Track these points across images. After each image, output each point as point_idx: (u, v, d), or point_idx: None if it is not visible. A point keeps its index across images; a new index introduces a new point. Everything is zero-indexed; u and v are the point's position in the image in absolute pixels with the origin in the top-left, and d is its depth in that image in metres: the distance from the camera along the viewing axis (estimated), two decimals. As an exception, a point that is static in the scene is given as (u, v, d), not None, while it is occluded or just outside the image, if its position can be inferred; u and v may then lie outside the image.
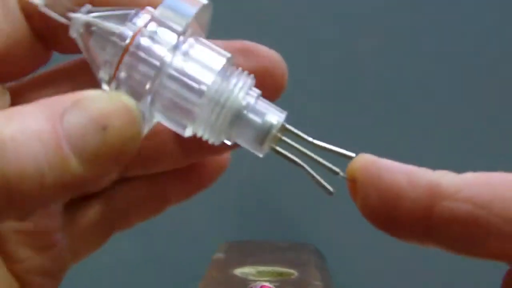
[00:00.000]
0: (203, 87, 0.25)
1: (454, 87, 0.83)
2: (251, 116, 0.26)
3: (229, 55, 0.26)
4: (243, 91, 0.26)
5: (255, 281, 0.65)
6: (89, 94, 0.23)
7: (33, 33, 0.27)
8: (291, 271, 0.68)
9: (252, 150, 0.26)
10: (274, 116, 0.26)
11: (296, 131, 0.26)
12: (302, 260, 0.73)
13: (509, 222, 0.21)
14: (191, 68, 0.25)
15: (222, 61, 0.26)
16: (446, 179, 0.22)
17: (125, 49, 0.24)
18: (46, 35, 0.27)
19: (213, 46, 0.26)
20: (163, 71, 0.25)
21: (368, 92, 0.83)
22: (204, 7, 0.26)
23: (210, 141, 0.26)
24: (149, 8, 0.25)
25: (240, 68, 0.26)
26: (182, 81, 0.25)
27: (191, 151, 0.29)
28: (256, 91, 0.26)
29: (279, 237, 0.80)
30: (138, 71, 0.24)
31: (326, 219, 0.82)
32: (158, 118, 0.26)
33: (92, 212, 0.30)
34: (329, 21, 0.83)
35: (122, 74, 0.24)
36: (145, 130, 0.26)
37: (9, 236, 0.27)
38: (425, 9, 0.83)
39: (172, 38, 0.25)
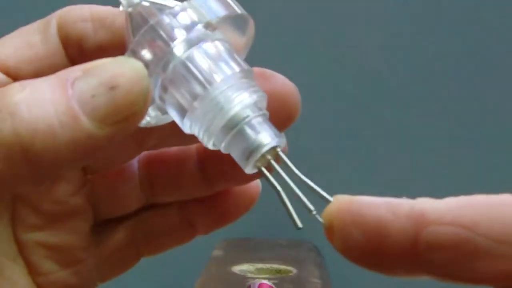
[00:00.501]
0: (209, 84, 0.25)
1: (455, 88, 0.83)
2: (246, 129, 0.25)
3: (249, 68, 0.26)
4: (247, 103, 0.25)
5: (254, 278, 0.65)
6: (97, 61, 0.24)
7: (68, 60, 0.28)
8: (290, 268, 0.69)
9: (239, 164, 0.26)
10: (268, 137, 0.25)
11: (285, 159, 0.25)
12: (300, 257, 0.73)
13: (496, 241, 0.21)
14: (205, 63, 0.25)
15: (237, 68, 0.25)
16: (428, 205, 0.22)
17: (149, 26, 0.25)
18: (78, 60, 0.28)
19: (237, 56, 0.26)
20: (175, 54, 0.25)
21: (369, 93, 0.83)
22: (242, 18, 0.26)
23: (208, 146, 0.26)
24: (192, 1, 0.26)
25: (257, 86, 0.26)
26: (192, 71, 0.25)
27: (215, 178, 0.30)
28: (263, 111, 0.26)
29: (277, 234, 0.80)
30: (154, 48, 0.25)
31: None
32: (165, 105, 0.26)
33: (119, 235, 0.31)
34: (329, 20, 0.83)
35: (143, 51, 0.25)
36: (152, 112, 0.26)
37: (35, 249, 0.28)
38: (425, 9, 0.83)
39: (195, 28, 0.25)
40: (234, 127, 0.25)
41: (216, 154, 0.26)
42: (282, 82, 0.28)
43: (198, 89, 0.25)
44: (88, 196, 0.29)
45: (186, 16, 0.25)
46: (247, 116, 0.25)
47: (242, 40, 0.27)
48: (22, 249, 0.28)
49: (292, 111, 0.28)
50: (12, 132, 0.22)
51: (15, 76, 0.27)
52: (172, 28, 0.25)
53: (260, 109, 0.26)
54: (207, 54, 0.25)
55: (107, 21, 0.27)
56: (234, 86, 0.25)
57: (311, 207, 0.25)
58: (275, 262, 0.69)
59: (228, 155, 0.26)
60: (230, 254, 0.73)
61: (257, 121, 0.25)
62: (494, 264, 0.21)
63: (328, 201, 0.24)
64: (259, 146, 0.25)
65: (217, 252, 0.73)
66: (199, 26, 0.25)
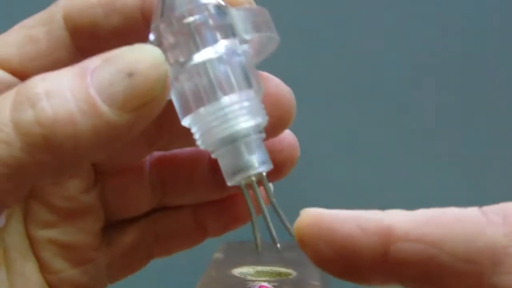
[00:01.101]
0: (222, 94, 0.25)
1: (454, 88, 0.83)
2: (242, 148, 0.26)
3: (261, 87, 0.26)
4: (251, 124, 0.26)
5: (254, 281, 0.65)
6: (116, 50, 0.24)
7: (77, 51, 0.27)
8: (290, 271, 0.69)
9: (223, 175, 0.26)
10: (259, 161, 0.26)
11: (268, 186, 0.27)
12: (300, 260, 0.73)
13: (461, 260, 0.21)
14: (224, 72, 0.25)
15: (253, 87, 0.26)
16: (397, 220, 0.22)
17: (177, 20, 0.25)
18: (88, 51, 0.27)
19: (255, 74, 0.26)
20: (200, 54, 0.25)
21: (367, 91, 0.83)
22: (272, 40, 0.27)
23: (198, 144, 0.26)
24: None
25: (263, 107, 0.26)
26: (210, 76, 0.25)
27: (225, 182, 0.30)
28: (262, 134, 0.26)
29: (278, 237, 0.80)
30: (180, 41, 0.25)
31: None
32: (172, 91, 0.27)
33: (130, 236, 0.31)
34: (330, 20, 0.83)
35: (169, 38, 0.25)
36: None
37: (46, 246, 0.28)
38: (425, 10, 0.83)
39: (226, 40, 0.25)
40: (232, 142, 0.26)
41: None
42: (276, 85, 0.28)
43: (210, 94, 0.25)
44: (99, 195, 0.30)
45: (223, 22, 0.25)
46: (248, 136, 0.26)
47: (261, 57, 0.28)
48: (33, 246, 0.28)
49: (287, 114, 0.28)
50: (35, 122, 0.22)
51: (21, 75, 0.27)
52: (206, 29, 0.25)
53: (260, 131, 0.26)
54: (230, 65, 0.26)
55: (118, 4, 0.27)
56: (245, 105, 0.26)
57: (276, 239, 0.28)
58: (275, 264, 0.69)
59: None
60: (230, 257, 0.73)
61: (254, 142, 0.26)
62: (460, 282, 0.21)
63: (291, 234, 0.24)
64: (249, 167, 0.26)
65: (217, 255, 0.73)
66: (232, 38, 0.25)
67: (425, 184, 0.82)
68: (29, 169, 0.23)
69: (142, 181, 0.30)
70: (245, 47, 0.26)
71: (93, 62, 0.24)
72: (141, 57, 0.23)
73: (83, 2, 0.27)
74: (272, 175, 0.27)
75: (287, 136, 0.30)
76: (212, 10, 0.25)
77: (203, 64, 0.25)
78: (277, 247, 0.26)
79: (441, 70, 0.83)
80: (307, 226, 0.23)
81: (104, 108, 0.23)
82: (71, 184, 0.28)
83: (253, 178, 0.26)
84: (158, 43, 0.25)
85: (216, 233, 0.32)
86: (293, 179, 0.74)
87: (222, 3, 0.26)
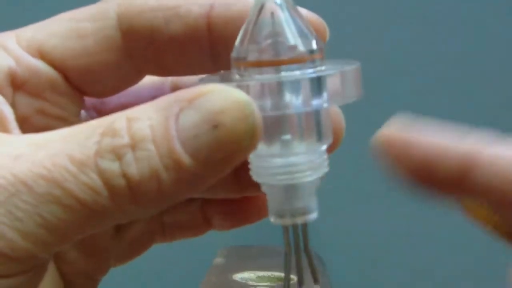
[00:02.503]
0: (299, 141, 0.25)
1: (453, 89, 0.83)
2: (299, 192, 0.26)
3: (331, 139, 0.26)
4: (313, 178, 0.26)
5: (255, 286, 0.65)
6: (201, 89, 0.22)
7: (127, 55, 0.26)
8: (290, 276, 0.68)
9: (269, 208, 0.27)
10: (311, 210, 0.26)
11: (305, 235, 0.27)
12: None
13: None
14: (305, 125, 0.25)
15: (326, 143, 0.26)
16: (483, 154, 0.22)
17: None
18: (141, 56, 0.26)
19: (330, 122, 0.26)
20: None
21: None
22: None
23: (251, 174, 0.26)
24: None
25: (327, 159, 0.26)
26: (286, 123, 0.25)
27: (246, 184, 0.29)
28: (318, 184, 0.26)
29: (278, 242, 0.80)
30: (266, 90, 0.24)
31: (325, 224, 0.82)
32: None
33: (139, 226, 0.31)
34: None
35: (256, 85, 0.24)
36: None
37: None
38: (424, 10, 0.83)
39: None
40: (294, 189, 0.26)
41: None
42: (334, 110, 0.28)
43: (286, 136, 0.25)
44: None
45: (314, 86, 0.24)
46: (308, 185, 0.26)
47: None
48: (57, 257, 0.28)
49: (339, 137, 0.28)
50: (121, 175, 0.22)
51: (60, 69, 0.26)
52: (295, 92, 0.24)
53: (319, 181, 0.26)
54: (307, 113, 0.25)
55: (181, 10, 0.25)
56: (312, 158, 0.25)
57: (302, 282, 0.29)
58: (276, 269, 0.69)
59: None
60: (231, 261, 0.73)
61: (310, 189, 0.26)
62: None
63: (316, 280, 0.26)
64: (299, 213, 0.26)
65: (218, 260, 0.73)
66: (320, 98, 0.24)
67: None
68: (113, 215, 0.22)
69: None
70: (325, 96, 0.25)
71: (179, 103, 0.22)
72: (227, 106, 0.22)
73: (142, 3, 0.25)
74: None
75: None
76: (305, 54, 0.24)
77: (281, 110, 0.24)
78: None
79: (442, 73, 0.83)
80: (384, 144, 0.23)
81: (188, 161, 0.22)
82: None
83: (297, 222, 0.27)
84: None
85: (221, 228, 0.32)
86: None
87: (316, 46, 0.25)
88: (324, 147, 0.26)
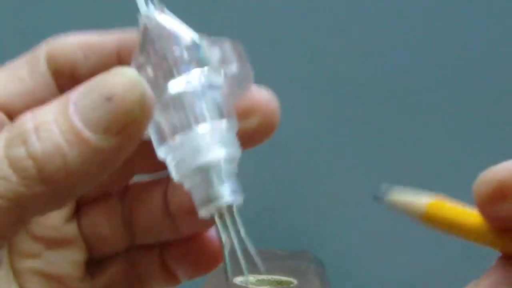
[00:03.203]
0: (195, 124, 0.26)
1: (452, 88, 0.83)
2: (214, 178, 0.26)
3: (235, 120, 0.27)
4: (223, 155, 0.26)
5: (255, 289, 0.65)
6: (96, 77, 0.24)
7: (59, 90, 0.28)
8: (291, 279, 0.69)
9: (196, 207, 0.27)
10: (229, 193, 0.26)
11: (236, 217, 0.27)
12: (301, 268, 0.73)
13: None
14: (199, 103, 0.26)
15: (226, 118, 0.27)
16: None
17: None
18: (68, 90, 0.28)
19: (230, 106, 0.27)
20: (174, 86, 0.26)
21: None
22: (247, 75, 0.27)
23: (172, 176, 0.27)
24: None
25: (237, 140, 0.27)
26: (185, 106, 0.26)
27: (178, 216, 0.30)
28: (234, 165, 0.27)
29: (278, 245, 0.80)
30: (158, 71, 0.26)
31: (325, 227, 0.82)
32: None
33: (112, 271, 0.31)
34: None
35: (148, 69, 0.26)
36: None
37: (31, 278, 0.28)
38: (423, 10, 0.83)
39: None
40: (204, 172, 0.26)
41: (180, 189, 0.27)
42: (256, 90, 0.28)
43: (184, 124, 0.26)
44: (81, 227, 0.30)
45: (198, 56, 0.26)
46: (219, 167, 0.26)
47: (239, 94, 0.28)
48: (18, 278, 0.28)
49: (270, 122, 0.28)
50: (27, 157, 0.23)
51: (6, 111, 0.28)
52: (181, 62, 0.26)
53: (232, 162, 0.27)
54: (204, 95, 0.26)
55: (96, 47, 0.28)
56: (218, 135, 0.26)
57: (228, 271, 0.28)
58: (276, 273, 0.69)
59: (188, 197, 0.27)
60: (231, 265, 0.73)
61: (225, 173, 0.26)
62: None
63: (259, 268, 0.26)
64: (218, 197, 0.26)
65: (218, 263, 0.73)
66: (206, 68, 0.26)
67: (425, 184, 0.81)
68: (28, 202, 0.24)
69: (116, 217, 0.30)
70: (219, 80, 0.27)
71: (75, 92, 0.24)
72: (117, 80, 0.24)
73: (66, 46, 0.28)
74: (245, 143, 0.28)
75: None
76: (189, 44, 0.26)
77: (178, 95, 0.26)
78: (227, 277, 0.27)
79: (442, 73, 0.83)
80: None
81: (88, 134, 0.23)
82: (54, 213, 0.29)
83: (223, 211, 0.26)
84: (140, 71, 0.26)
85: (187, 276, 0.32)
86: (293, 184, 0.74)
87: (197, 38, 0.27)
88: (225, 124, 0.27)
